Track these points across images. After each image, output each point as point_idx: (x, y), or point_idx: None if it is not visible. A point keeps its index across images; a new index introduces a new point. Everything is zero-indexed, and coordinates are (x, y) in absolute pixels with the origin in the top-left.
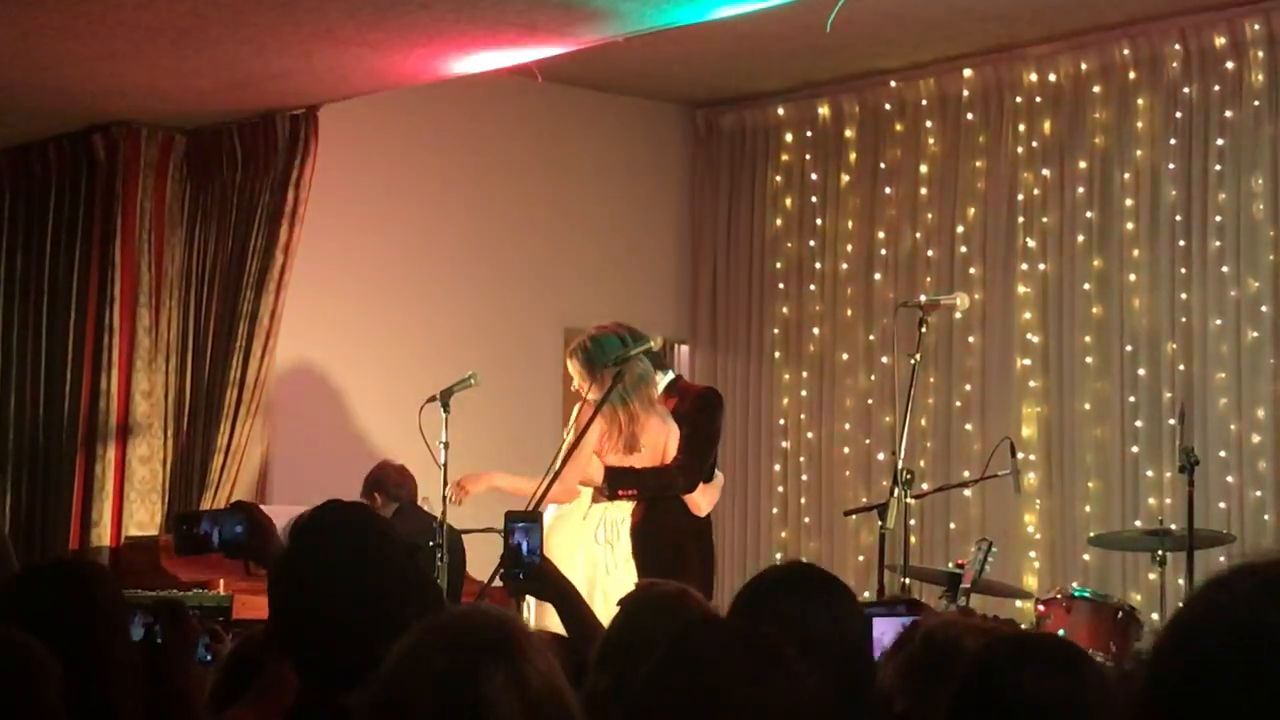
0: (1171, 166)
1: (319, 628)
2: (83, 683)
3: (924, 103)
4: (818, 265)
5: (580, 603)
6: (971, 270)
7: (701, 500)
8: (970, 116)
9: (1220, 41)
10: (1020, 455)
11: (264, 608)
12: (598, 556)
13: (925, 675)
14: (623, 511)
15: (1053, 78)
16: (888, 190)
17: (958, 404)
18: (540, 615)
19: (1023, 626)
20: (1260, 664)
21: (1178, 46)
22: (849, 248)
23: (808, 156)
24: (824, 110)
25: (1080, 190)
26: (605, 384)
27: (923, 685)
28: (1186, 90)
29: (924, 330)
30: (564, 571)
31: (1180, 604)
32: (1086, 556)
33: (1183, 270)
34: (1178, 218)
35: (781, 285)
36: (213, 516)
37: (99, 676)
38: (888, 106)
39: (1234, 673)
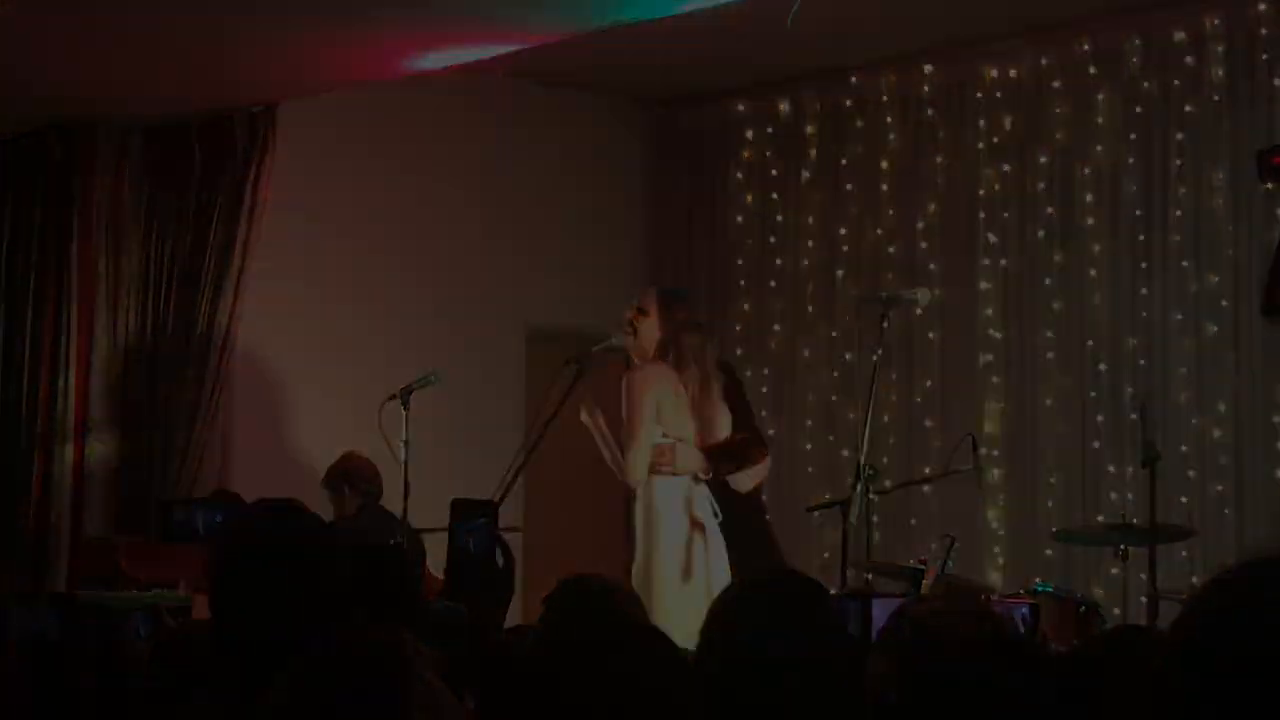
0: (1131, 161)
1: (254, 641)
2: None
3: (885, 99)
4: (779, 262)
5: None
6: (932, 266)
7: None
8: (931, 112)
9: (1180, 36)
10: (982, 451)
11: None
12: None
13: (919, 665)
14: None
15: (1013, 73)
16: (849, 186)
17: (919, 400)
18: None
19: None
20: None
21: (1138, 41)
22: (810, 244)
23: (768, 153)
24: (785, 107)
25: (1041, 186)
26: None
27: (918, 674)
28: (1146, 85)
29: (886, 326)
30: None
31: (1197, 601)
32: (1049, 551)
33: (1143, 265)
34: (1138, 212)
35: (743, 282)
36: (194, 506)
37: None
38: (848, 103)
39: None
